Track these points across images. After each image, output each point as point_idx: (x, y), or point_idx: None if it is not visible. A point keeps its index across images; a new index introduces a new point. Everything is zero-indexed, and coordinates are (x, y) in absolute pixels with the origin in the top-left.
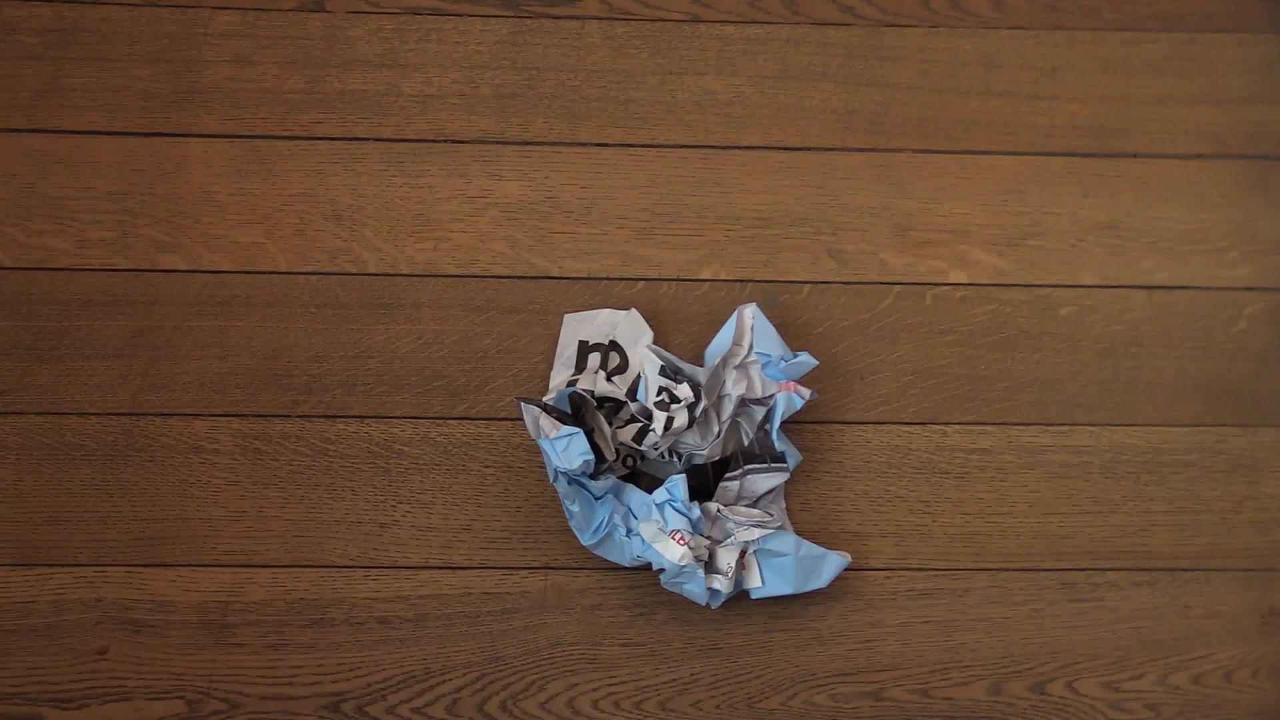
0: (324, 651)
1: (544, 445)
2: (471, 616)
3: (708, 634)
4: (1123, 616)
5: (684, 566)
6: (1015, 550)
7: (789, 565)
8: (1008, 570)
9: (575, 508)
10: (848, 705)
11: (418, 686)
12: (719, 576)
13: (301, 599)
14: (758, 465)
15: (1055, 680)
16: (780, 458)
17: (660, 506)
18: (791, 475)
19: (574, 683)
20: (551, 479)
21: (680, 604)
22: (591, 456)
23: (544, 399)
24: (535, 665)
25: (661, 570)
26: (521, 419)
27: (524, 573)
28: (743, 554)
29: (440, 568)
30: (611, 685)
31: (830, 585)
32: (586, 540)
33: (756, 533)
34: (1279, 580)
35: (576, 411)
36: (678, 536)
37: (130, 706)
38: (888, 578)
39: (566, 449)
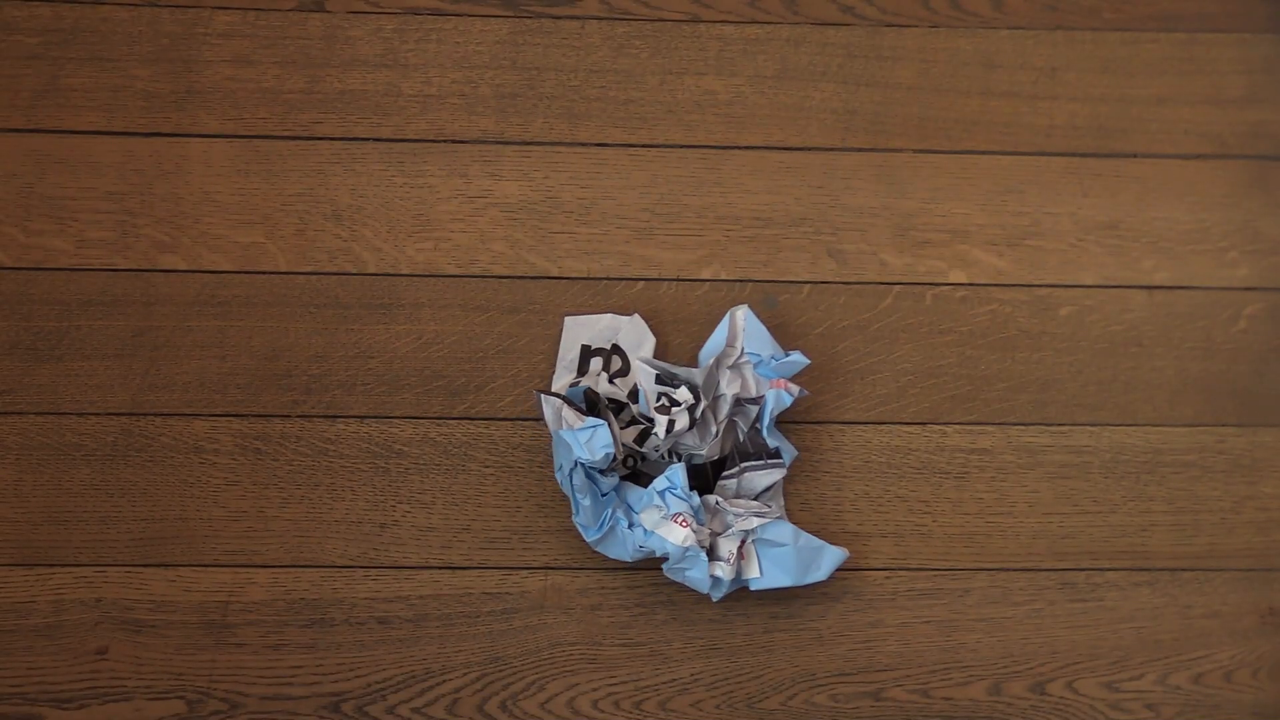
0: (324, 651)
1: (566, 437)
2: (471, 616)
3: (708, 634)
4: (1123, 616)
5: (687, 550)
6: (1015, 550)
7: (788, 556)
8: (1008, 570)
9: (587, 502)
10: (848, 705)
11: (418, 686)
12: (721, 563)
13: (301, 599)
14: (754, 463)
15: (1055, 680)
16: (775, 454)
17: (661, 494)
18: (792, 475)
19: (574, 683)
20: (563, 473)
21: (680, 604)
22: (613, 449)
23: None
24: (535, 665)
25: (664, 559)
26: (522, 418)
27: (524, 573)
28: (742, 543)
29: (440, 568)
30: (611, 685)
31: (830, 585)
32: (591, 536)
33: (755, 521)
34: (1279, 580)
35: (591, 408)
36: (680, 519)
37: (130, 706)
38: (887, 578)
39: (590, 440)
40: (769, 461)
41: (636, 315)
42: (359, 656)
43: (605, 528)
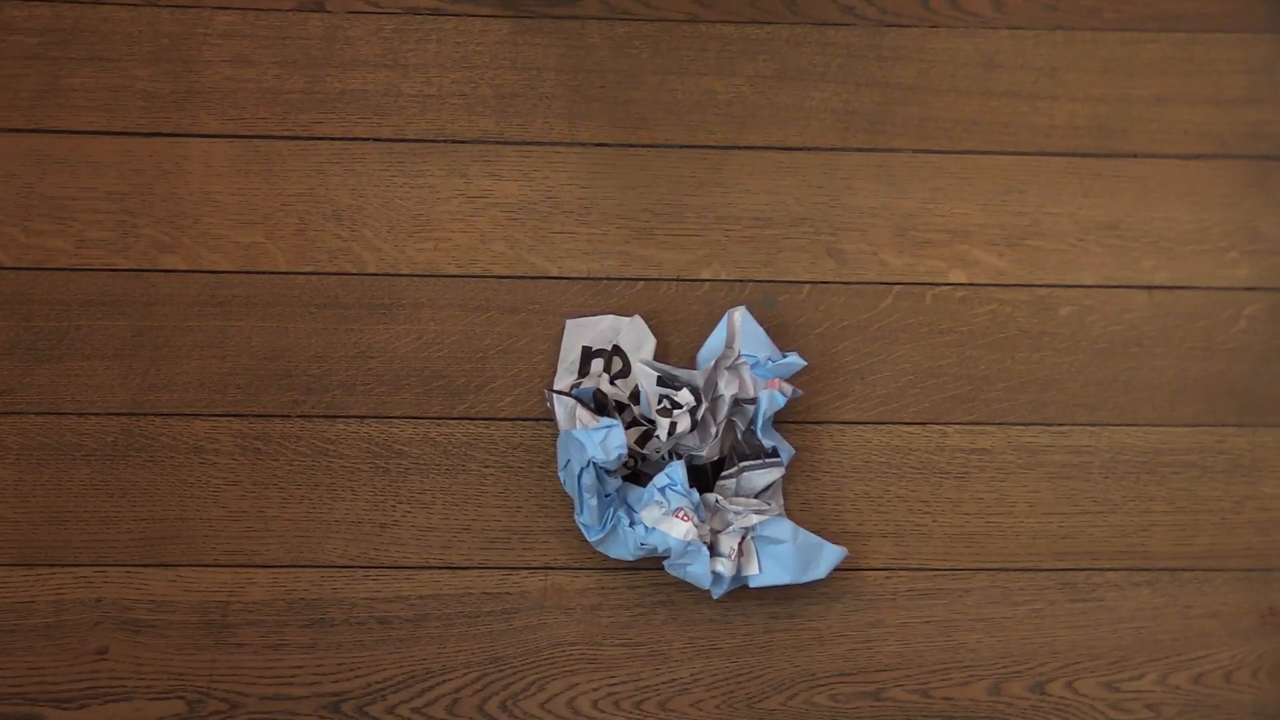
0: (324, 651)
1: (580, 437)
2: (471, 616)
3: (708, 634)
4: (1123, 616)
5: (689, 544)
6: (1015, 550)
7: (787, 553)
8: (1008, 570)
9: (594, 502)
10: (848, 705)
11: (418, 686)
12: (722, 559)
13: (301, 599)
14: (752, 462)
15: (1055, 680)
16: (772, 453)
17: (662, 490)
18: (791, 475)
19: (574, 683)
20: (570, 472)
21: (680, 604)
22: (626, 451)
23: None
24: (535, 665)
25: (665, 556)
26: (522, 417)
27: (524, 573)
28: (742, 540)
29: (440, 568)
30: (611, 685)
31: (830, 585)
32: (594, 536)
33: (755, 519)
34: (1279, 580)
35: (600, 409)
36: (681, 514)
37: (130, 706)
38: (887, 578)
39: (605, 440)
40: (767, 461)
41: (637, 316)
42: (359, 656)
43: (608, 527)
